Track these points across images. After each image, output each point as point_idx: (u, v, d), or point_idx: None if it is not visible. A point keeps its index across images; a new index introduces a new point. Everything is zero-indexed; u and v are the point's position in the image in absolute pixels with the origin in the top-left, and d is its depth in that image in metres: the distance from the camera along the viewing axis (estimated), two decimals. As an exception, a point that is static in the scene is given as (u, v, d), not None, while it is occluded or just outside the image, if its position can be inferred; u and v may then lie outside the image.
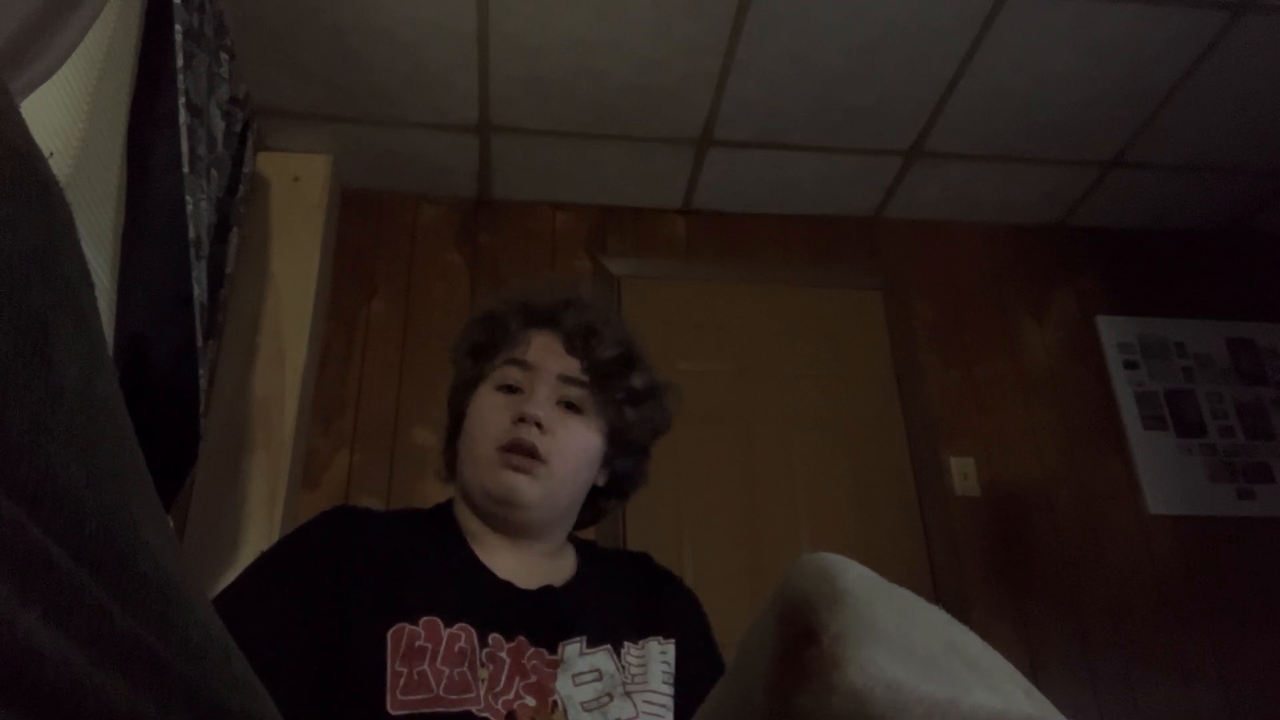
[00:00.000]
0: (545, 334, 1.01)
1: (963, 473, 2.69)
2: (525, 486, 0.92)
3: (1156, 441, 2.81)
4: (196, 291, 1.89)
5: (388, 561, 0.88)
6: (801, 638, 0.44)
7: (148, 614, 0.36)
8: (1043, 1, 2.28)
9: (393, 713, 0.77)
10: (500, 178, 2.86)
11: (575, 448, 0.96)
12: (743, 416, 2.71)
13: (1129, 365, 2.92)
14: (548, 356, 0.99)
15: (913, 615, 0.46)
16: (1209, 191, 3.01)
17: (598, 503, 1.05)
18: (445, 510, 1.01)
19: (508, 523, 0.95)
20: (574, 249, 2.90)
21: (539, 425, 0.94)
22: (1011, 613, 2.51)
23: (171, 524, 2.05)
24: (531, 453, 0.93)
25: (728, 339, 2.81)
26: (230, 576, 2.29)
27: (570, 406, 0.97)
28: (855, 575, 0.46)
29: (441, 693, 0.79)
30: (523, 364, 0.98)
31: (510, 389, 0.98)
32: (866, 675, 0.41)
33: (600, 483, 1.02)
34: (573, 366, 0.99)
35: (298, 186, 2.66)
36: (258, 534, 2.22)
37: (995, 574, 2.56)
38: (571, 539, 1.03)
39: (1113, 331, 2.96)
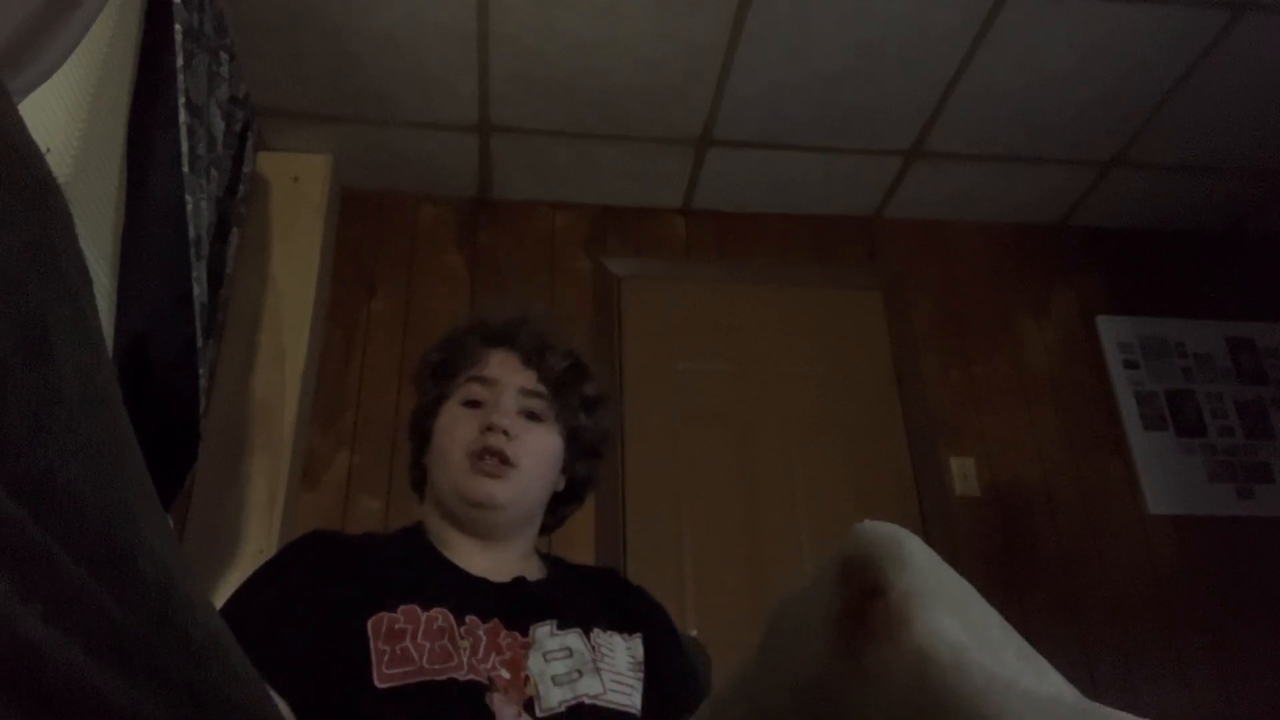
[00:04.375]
0: (502, 351, 1.08)
1: (963, 473, 2.69)
2: (498, 489, 0.99)
3: (1156, 441, 2.81)
4: (196, 291, 1.89)
5: (363, 568, 0.93)
6: (868, 592, 0.44)
7: (148, 612, 0.36)
8: (1043, 1, 2.28)
9: (380, 686, 0.81)
10: (500, 178, 2.86)
11: (540, 451, 1.03)
12: (743, 416, 2.71)
13: (1129, 365, 2.92)
14: (507, 371, 1.06)
15: (970, 593, 0.47)
16: (1209, 191, 3.01)
17: (558, 508, 1.11)
18: (413, 529, 1.06)
19: (482, 524, 1.01)
20: (574, 249, 2.90)
21: (505, 433, 1.00)
22: (1011, 613, 2.49)
23: (171, 523, 2.05)
24: (501, 458, 0.99)
25: (728, 339, 2.81)
26: (230, 576, 2.28)
27: (531, 416, 1.04)
28: (918, 544, 0.47)
29: (425, 664, 0.83)
30: (484, 380, 1.05)
31: (474, 404, 1.04)
32: (932, 635, 0.42)
33: (560, 488, 1.09)
34: (531, 379, 1.06)
35: (298, 186, 2.65)
36: (258, 534, 2.22)
37: (995, 574, 2.56)
38: (541, 555, 1.09)
39: (1113, 331, 2.96)
